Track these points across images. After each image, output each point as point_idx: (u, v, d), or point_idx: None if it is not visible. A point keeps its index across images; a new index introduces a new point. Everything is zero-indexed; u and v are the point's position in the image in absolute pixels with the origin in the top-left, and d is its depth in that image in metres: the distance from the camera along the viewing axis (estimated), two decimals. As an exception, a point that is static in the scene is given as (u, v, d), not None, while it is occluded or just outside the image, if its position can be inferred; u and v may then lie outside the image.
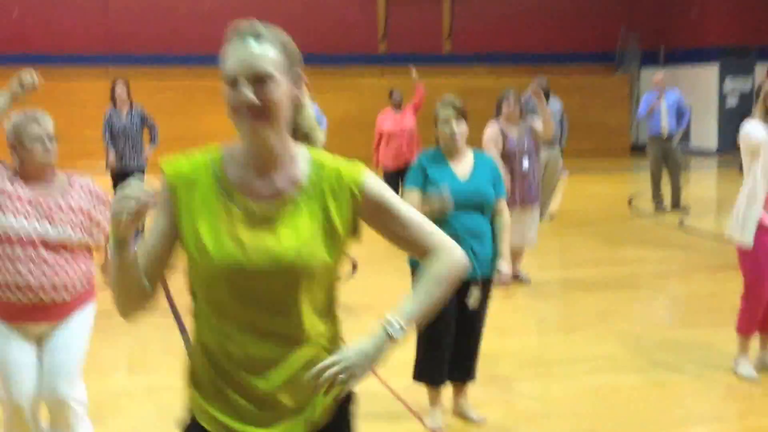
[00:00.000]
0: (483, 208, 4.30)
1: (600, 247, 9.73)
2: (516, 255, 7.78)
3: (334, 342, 2.11)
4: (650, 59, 22.70)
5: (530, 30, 22.04)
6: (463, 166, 4.38)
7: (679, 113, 11.97)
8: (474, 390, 4.68)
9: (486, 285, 4.36)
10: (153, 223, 2.02)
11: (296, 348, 2.01)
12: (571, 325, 6.55)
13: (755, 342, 5.33)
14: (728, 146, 21.20)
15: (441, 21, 21.66)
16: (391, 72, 20.87)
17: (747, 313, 5.21)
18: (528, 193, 7.45)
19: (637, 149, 22.38)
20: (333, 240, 2.02)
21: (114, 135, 9.34)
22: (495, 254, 4.37)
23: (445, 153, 4.40)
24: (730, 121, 21.14)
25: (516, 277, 7.74)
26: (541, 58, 21.92)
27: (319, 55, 20.75)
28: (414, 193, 4.28)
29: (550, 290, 7.61)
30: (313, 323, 2.03)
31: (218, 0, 20.08)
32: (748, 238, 5.02)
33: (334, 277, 2.09)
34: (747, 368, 5.24)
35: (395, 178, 9.67)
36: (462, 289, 4.24)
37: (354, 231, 2.07)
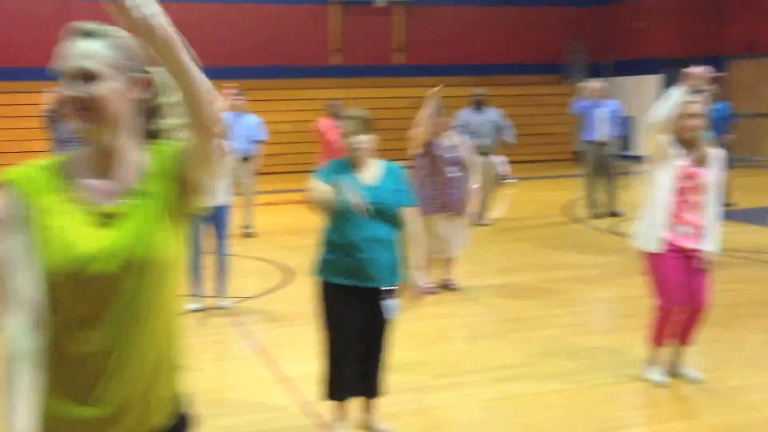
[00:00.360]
0: (385, 216, 4.22)
1: (535, 253, 9.74)
2: (446, 262, 7.77)
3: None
4: (596, 70, 22.87)
5: (480, 42, 22.12)
6: (369, 175, 4.31)
7: (618, 122, 12.11)
8: (385, 400, 4.62)
9: (390, 294, 4.30)
10: (9, 244, 1.90)
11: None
12: (493, 333, 6.52)
13: (668, 348, 5.35)
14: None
15: (393, 33, 21.65)
16: (343, 84, 20.86)
17: (656, 323, 5.22)
18: (454, 201, 7.43)
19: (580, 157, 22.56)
20: (180, 221, 2.02)
21: None
22: (399, 263, 4.30)
23: (351, 163, 4.35)
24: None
25: (446, 285, 7.74)
26: (491, 69, 22.02)
27: (272, 67, 20.70)
28: (322, 185, 4.21)
29: (479, 297, 7.57)
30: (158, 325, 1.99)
31: (183, 13, 19.89)
32: (652, 245, 5.03)
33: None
34: (657, 374, 5.25)
35: None
36: (365, 301, 4.20)
37: (194, 193, 2.03)
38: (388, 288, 4.24)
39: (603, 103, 12.11)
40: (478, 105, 11.53)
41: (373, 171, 4.34)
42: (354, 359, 4.25)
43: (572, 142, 22.42)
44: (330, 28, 21.14)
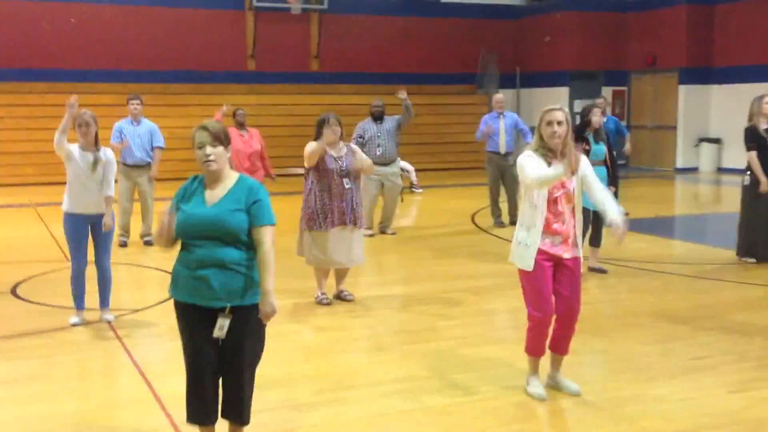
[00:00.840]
0: (227, 236, 3.88)
1: (437, 262, 9.62)
2: (340, 274, 7.56)
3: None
4: (508, 81, 23.02)
5: (396, 51, 22.04)
6: (217, 192, 3.98)
7: (521, 133, 12.11)
8: (258, 420, 4.36)
9: (241, 314, 3.94)
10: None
11: None
12: (383, 345, 6.31)
13: (547, 360, 5.24)
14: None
15: (309, 40, 21.40)
16: (259, 90, 20.51)
17: (531, 334, 5.11)
18: (347, 213, 7.22)
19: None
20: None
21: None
22: (246, 284, 3.95)
23: (205, 178, 4.07)
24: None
25: (340, 297, 7.53)
26: (405, 79, 21.91)
27: (187, 72, 20.20)
28: (167, 213, 3.96)
29: (373, 309, 7.35)
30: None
31: (86, 18, 19.30)
32: (528, 263, 4.92)
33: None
34: (536, 387, 5.14)
35: None
36: (212, 321, 3.91)
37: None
38: (226, 308, 3.90)
39: (503, 116, 12.13)
40: (378, 115, 11.37)
41: (223, 188, 3.99)
42: (209, 381, 3.97)
43: (483, 152, 22.54)
44: (246, 34, 20.77)
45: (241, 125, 11.04)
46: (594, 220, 8.62)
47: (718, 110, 20.60)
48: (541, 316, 4.99)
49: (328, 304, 7.31)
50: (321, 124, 7.25)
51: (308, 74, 21.38)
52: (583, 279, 8.42)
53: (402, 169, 16.71)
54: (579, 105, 21.78)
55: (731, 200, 16.11)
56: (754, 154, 9.07)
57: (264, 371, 4.31)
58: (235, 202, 3.93)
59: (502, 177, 12.13)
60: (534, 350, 5.12)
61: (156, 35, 19.82)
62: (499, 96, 12.57)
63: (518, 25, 23.06)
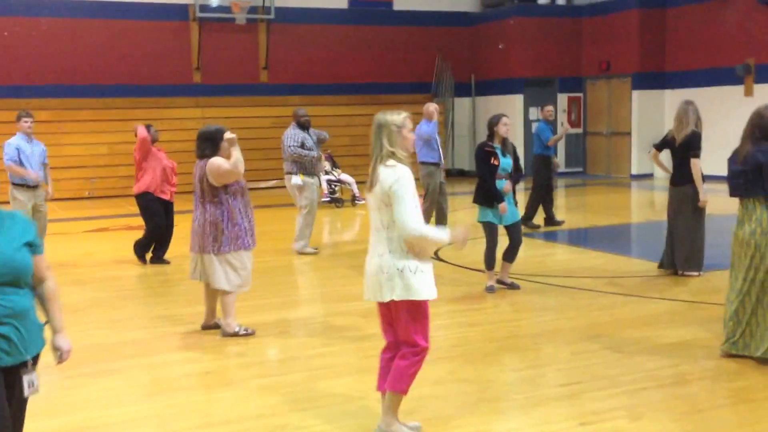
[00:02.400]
0: (18, 279, 3.44)
1: (344, 281, 9.23)
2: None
3: None
4: (463, 89, 22.78)
5: (348, 60, 21.74)
6: None
7: (432, 143, 11.78)
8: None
9: (27, 368, 3.48)
10: None
11: None
12: (230, 380, 5.94)
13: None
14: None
15: (257, 51, 21.08)
16: (206, 103, 20.18)
17: (416, 370, 4.65)
18: (201, 240, 6.83)
19: (451, 175, 22.36)
20: None
21: None
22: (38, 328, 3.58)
23: None
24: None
25: (217, 325, 7.14)
26: (360, 89, 21.66)
27: (129, 87, 19.84)
28: None
29: (247, 337, 6.98)
30: None
31: (22, 32, 18.93)
32: (434, 291, 4.62)
33: None
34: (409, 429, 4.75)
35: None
36: (9, 376, 3.50)
37: None
38: (24, 362, 3.46)
39: (420, 125, 11.82)
40: (307, 125, 11.04)
41: None
42: None
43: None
44: (191, 46, 20.44)
45: (153, 141, 10.65)
46: (512, 235, 8.31)
47: (672, 115, 20.28)
48: (428, 348, 4.66)
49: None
50: (219, 137, 6.86)
51: (257, 86, 21.06)
52: (485, 297, 8.24)
53: (341, 182, 16.46)
54: (534, 112, 21.58)
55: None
56: (698, 161, 8.75)
57: (86, 414, 3.99)
58: (12, 240, 3.49)
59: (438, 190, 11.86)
60: (408, 386, 4.71)
61: (96, 48, 19.47)
62: (432, 105, 12.28)
63: (472, 33, 22.80)
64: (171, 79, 20.29)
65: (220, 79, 20.69)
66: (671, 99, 20.35)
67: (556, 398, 5.33)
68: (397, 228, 4.45)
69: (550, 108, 13.07)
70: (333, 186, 16.25)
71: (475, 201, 8.34)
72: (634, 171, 20.56)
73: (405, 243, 4.48)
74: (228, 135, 6.81)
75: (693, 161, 8.74)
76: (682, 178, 8.84)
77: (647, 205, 16.82)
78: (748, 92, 18.24)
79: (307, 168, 10.78)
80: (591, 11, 21.45)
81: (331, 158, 16.88)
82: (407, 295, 4.49)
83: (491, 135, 8.28)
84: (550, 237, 11.97)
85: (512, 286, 8.40)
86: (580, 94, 21.93)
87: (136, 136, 10.12)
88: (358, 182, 19.10)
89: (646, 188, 18.74)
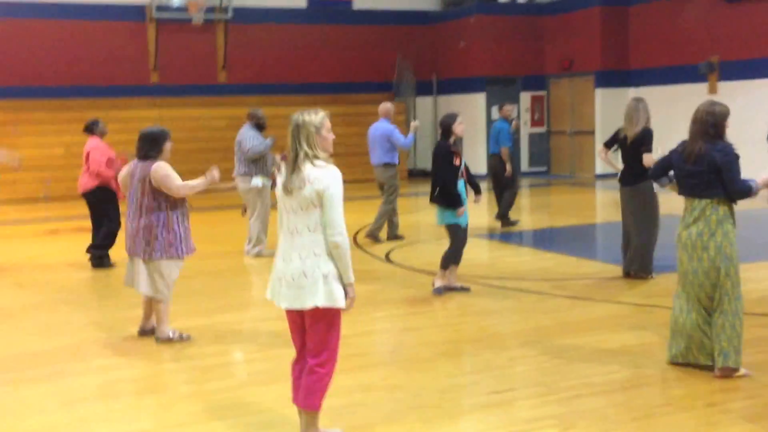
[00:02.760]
0: None
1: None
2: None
3: None
4: (424, 88, 22.66)
5: (308, 60, 21.54)
6: None
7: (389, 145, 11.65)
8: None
9: None
10: None
11: None
12: (156, 387, 5.78)
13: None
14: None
15: (215, 51, 20.82)
16: (163, 103, 19.90)
17: (328, 382, 4.52)
18: (134, 243, 6.65)
19: (414, 175, 22.24)
20: None
21: None
22: None
23: None
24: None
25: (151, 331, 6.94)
26: (319, 88, 21.47)
27: (88, 87, 19.53)
28: None
29: (165, 346, 6.73)
30: None
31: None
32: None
33: None
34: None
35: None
36: None
37: None
38: None
39: (374, 126, 11.72)
40: (264, 126, 10.86)
41: None
42: None
43: (404, 161, 22.10)
44: (148, 46, 20.15)
45: (101, 135, 10.37)
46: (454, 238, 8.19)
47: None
48: (336, 359, 4.51)
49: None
50: (163, 139, 6.68)
51: (216, 86, 20.81)
52: (431, 300, 8.09)
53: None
54: (496, 112, 21.49)
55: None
56: (651, 155, 8.58)
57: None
58: None
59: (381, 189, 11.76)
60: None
61: (52, 49, 19.14)
62: (387, 104, 12.15)
63: (433, 31, 22.68)
64: (128, 79, 19.99)
65: (178, 79, 20.43)
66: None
67: (486, 406, 5.20)
68: (327, 231, 4.31)
69: (508, 107, 12.98)
70: (289, 188, 16.02)
71: (437, 203, 8.10)
72: (599, 170, 20.49)
73: (329, 247, 4.33)
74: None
75: (646, 156, 8.60)
76: (633, 177, 8.71)
77: (610, 205, 16.68)
78: (712, 90, 18.25)
79: (264, 170, 10.60)
80: (553, 9, 21.40)
81: (286, 159, 16.64)
82: (330, 302, 4.34)
83: (447, 134, 8.14)
84: (506, 238, 11.86)
85: (462, 290, 8.26)
86: (543, 93, 21.87)
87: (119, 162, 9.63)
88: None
89: (610, 188, 18.62)
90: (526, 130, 21.76)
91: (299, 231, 4.39)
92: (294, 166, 4.44)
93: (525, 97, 21.78)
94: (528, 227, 12.66)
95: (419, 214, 14.36)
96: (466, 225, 8.17)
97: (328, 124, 4.49)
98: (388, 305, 7.88)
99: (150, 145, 6.66)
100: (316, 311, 4.36)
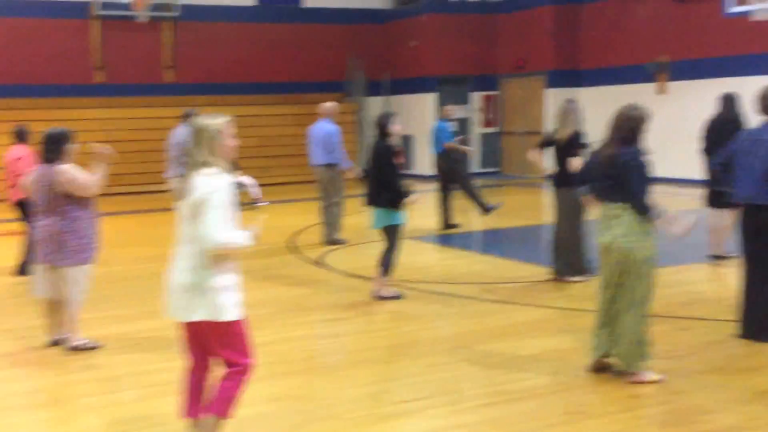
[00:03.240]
0: None
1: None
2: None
3: None
4: (376, 88, 22.56)
5: (258, 59, 21.35)
6: None
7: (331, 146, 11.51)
8: None
9: None
10: None
11: None
12: (56, 399, 5.62)
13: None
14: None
15: (161, 49, 20.55)
16: (109, 103, 19.60)
17: (241, 390, 4.39)
18: (44, 250, 6.46)
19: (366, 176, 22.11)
20: None
21: None
22: None
23: None
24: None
25: (60, 341, 6.75)
26: (269, 88, 21.29)
27: (31, 86, 19.17)
28: None
29: (94, 351, 6.59)
30: None
31: None
32: (241, 311, 4.36)
33: None
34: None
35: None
36: None
37: None
38: None
39: (314, 126, 11.59)
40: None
41: None
42: None
43: (355, 162, 21.98)
44: (91, 44, 19.83)
45: (22, 139, 10.08)
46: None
47: (586, 114, 20.36)
48: (252, 364, 4.37)
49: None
50: (65, 140, 6.49)
51: (162, 86, 20.53)
52: (358, 306, 7.96)
53: (240, 184, 16.05)
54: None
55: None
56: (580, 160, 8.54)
57: None
58: None
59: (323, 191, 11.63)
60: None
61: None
62: (327, 104, 12.02)
63: (385, 30, 22.58)
64: (72, 78, 19.67)
65: (124, 78, 20.14)
66: (586, 97, 20.36)
67: (395, 416, 5.11)
68: (203, 240, 4.17)
69: (450, 108, 12.91)
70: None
71: (378, 204, 7.94)
72: (550, 171, 20.52)
73: (211, 258, 4.20)
74: (99, 148, 6.46)
75: (573, 160, 8.56)
76: (564, 180, 8.67)
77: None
78: (661, 90, 18.36)
79: None
80: (506, 8, 21.39)
81: (231, 160, 16.46)
82: (213, 316, 4.21)
83: (385, 134, 8.04)
84: (446, 241, 11.77)
85: (394, 297, 8.14)
86: (496, 93, 21.86)
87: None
88: (262, 185, 18.79)
89: (559, 188, 18.71)
90: (478, 131, 21.75)
91: (186, 240, 4.26)
92: (189, 174, 4.29)
93: (477, 97, 21.78)
94: (470, 229, 12.57)
95: (360, 216, 14.22)
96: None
97: (230, 130, 4.35)
98: (315, 311, 7.77)
99: (52, 147, 6.47)
100: (203, 324, 4.23)
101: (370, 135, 22.63)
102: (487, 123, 21.87)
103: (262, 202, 15.83)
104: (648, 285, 5.49)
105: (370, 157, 8.16)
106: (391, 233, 8.05)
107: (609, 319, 5.60)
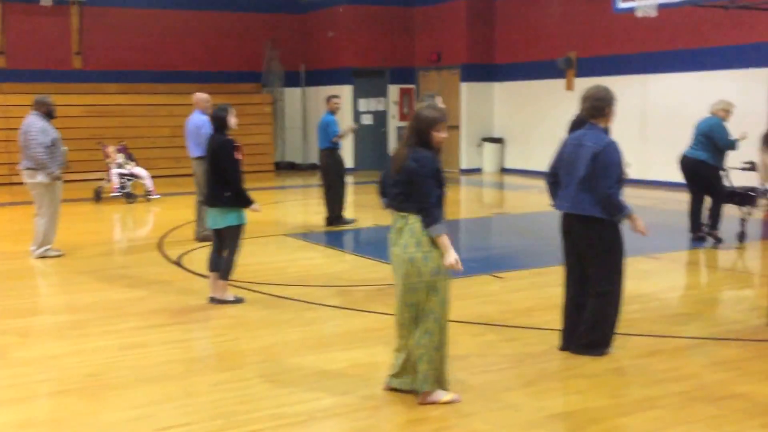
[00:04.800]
0: None
1: (59, 290, 8.32)
2: None
3: None
4: (293, 79, 21.91)
5: (171, 47, 20.57)
6: None
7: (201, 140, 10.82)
8: None
9: None
10: None
11: None
12: None
13: None
14: (365, 164, 20.72)
15: (69, 35, 19.66)
16: (11, 89, 18.67)
17: None
18: None
19: (281, 168, 21.50)
20: None
21: None
22: None
23: None
24: (365, 139, 20.68)
25: None
26: (183, 77, 20.51)
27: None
28: None
29: None
30: None
31: None
32: None
33: None
34: None
35: None
36: None
37: None
38: None
39: (190, 117, 10.93)
40: (52, 115, 9.93)
41: None
42: None
43: (272, 153, 21.32)
44: (-8, 28, 18.92)
45: None
46: (217, 242, 7.50)
47: (501, 108, 19.98)
48: None
49: None
50: None
51: (69, 72, 19.66)
52: (194, 310, 7.36)
53: (134, 176, 15.34)
54: (364, 104, 20.88)
55: (485, 205, 15.39)
56: None
57: None
58: None
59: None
60: None
61: None
62: (201, 95, 11.32)
63: (303, 20, 21.92)
64: (-30, 63, 18.77)
65: (28, 64, 19.25)
66: (500, 92, 19.99)
67: (144, 445, 4.49)
68: None
69: (336, 100, 12.28)
70: (125, 180, 15.08)
71: (220, 204, 7.29)
72: (464, 165, 20.10)
73: None
74: None
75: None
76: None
77: (466, 201, 16.26)
78: (570, 86, 17.94)
79: (59, 163, 9.70)
80: (422, 0, 20.84)
81: (125, 150, 15.73)
82: None
83: (223, 127, 7.42)
84: (317, 239, 11.10)
85: (235, 301, 7.53)
86: (413, 86, 21.30)
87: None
88: (174, 176, 18.07)
89: (474, 184, 18.23)
90: (394, 124, 21.20)
91: None
92: None
93: (394, 90, 21.22)
94: (353, 226, 12.01)
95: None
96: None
97: None
98: (136, 317, 7.11)
99: None
100: None
101: (288, 126, 22.04)
102: (404, 117, 21.32)
103: (154, 195, 15.15)
104: (440, 300, 4.94)
105: (207, 152, 7.54)
106: (233, 234, 7.45)
107: (405, 335, 5.06)
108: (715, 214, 10.04)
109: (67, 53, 19.70)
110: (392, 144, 20.99)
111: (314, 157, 18.27)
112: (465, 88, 19.85)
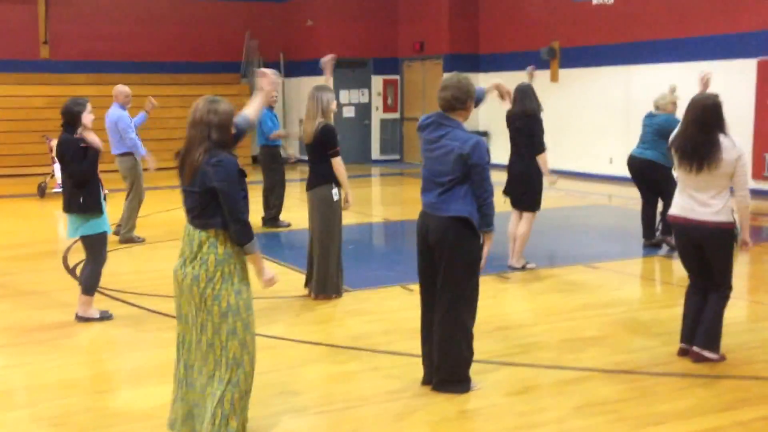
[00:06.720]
0: None
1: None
2: None
3: None
4: (272, 69, 21.16)
5: (146, 36, 19.95)
6: None
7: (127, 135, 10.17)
8: None
9: None
10: None
11: None
12: None
13: None
14: (348, 159, 19.94)
15: (36, 24, 19.10)
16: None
17: None
18: None
19: (257, 163, 20.76)
20: None
21: None
22: None
23: None
24: (347, 132, 19.91)
25: None
26: (158, 67, 19.90)
27: None
28: None
29: None
30: None
31: None
32: None
33: None
34: None
35: None
36: None
37: None
38: None
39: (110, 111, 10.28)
40: None
41: None
42: None
43: (249, 146, 20.62)
44: (-45, 17, 18.41)
45: None
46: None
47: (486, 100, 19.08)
48: None
49: None
50: None
51: (37, 62, 19.12)
52: (38, 331, 6.64)
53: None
54: (345, 96, 20.11)
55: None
56: (340, 159, 7.26)
57: None
58: None
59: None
60: None
61: None
62: (122, 87, 10.62)
63: (283, 9, 21.18)
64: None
65: (-6, 53, 18.74)
66: (485, 83, 19.06)
67: None
68: None
69: (273, 95, 11.53)
70: (69, 176, 14.45)
71: (77, 210, 6.58)
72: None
73: None
74: None
75: (334, 161, 7.25)
76: (314, 179, 7.37)
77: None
78: (554, 77, 17.05)
79: None
80: (406, -12, 20.02)
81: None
82: None
83: (75, 125, 6.70)
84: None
85: (101, 318, 6.81)
86: (397, 77, 20.48)
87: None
88: (143, 170, 17.41)
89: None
90: (377, 116, 20.42)
91: None
92: None
93: (377, 81, 20.42)
94: (294, 227, 11.25)
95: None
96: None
97: None
98: (16, 332, 6.44)
99: None
100: None
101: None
102: (388, 108, 20.52)
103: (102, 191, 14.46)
104: (240, 342, 4.14)
105: (57, 153, 6.83)
106: (97, 243, 6.74)
107: (188, 383, 4.27)
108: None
109: (34, 42, 19.15)
110: (376, 137, 20.26)
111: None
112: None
